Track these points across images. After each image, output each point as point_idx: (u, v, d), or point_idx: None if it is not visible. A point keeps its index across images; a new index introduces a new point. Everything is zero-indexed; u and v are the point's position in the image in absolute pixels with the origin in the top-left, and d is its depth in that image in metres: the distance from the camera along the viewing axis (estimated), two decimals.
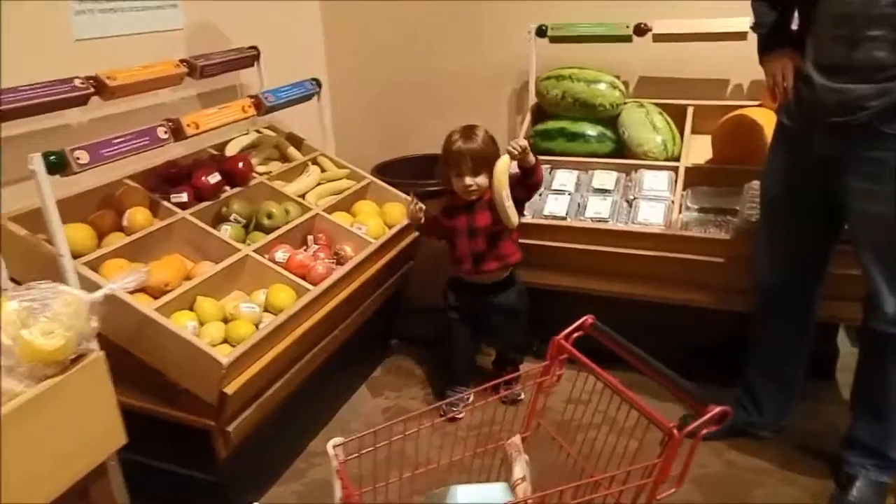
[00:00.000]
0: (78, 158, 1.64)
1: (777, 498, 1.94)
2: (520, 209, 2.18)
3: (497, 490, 1.27)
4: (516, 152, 2.05)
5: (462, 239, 2.25)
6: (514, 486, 1.40)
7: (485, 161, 2.15)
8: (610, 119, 2.65)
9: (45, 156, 1.59)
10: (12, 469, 1.15)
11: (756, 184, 2.08)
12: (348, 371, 2.46)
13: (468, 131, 2.19)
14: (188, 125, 1.95)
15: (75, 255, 1.75)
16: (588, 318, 1.47)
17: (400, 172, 2.83)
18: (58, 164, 1.61)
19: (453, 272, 2.35)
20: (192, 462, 1.86)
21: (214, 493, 1.88)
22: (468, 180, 2.16)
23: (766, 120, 2.21)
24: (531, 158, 2.10)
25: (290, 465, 2.17)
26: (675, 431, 1.16)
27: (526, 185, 2.17)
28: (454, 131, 2.21)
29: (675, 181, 2.43)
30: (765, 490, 1.97)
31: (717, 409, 1.16)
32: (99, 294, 1.37)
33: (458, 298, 2.35)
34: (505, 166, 2.06)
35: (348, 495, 1.23)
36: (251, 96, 2.26)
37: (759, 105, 2.47)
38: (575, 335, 1.47)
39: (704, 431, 1.17)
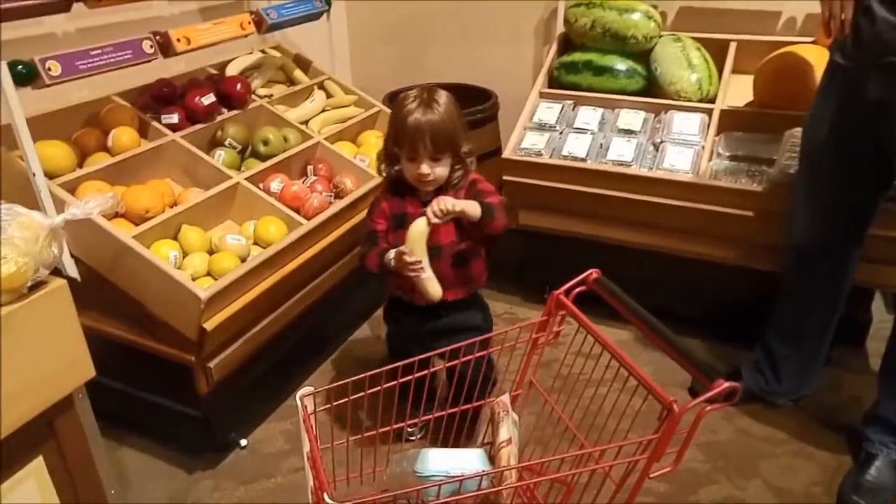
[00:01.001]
0: (49, 69, 1.53)
1: (788, 472, 1.83)
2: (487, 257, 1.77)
3: (473, 456, 1.17)
4: (437, 218, 1.54)
5: None
6: (499, 448, 1.30)
7: (448, 141, 1.62)
8: (643, 53, 2.44)
9: (12, 65, 1.47)
10: None
11: (798, 131, 1.88)
12: (348, 309, 2.36)
13: (428, 98, 1.62)
14: (178, 40, 1.82)
15: (52, 176, 1.66)
16: (593, 273, 1.34)
17: None
18: (26, 75, 1.50)
19: (395, 293, 1.77)
20: (176, 395, 1.81)
21: (198, 427, 1.83)
22: (425, 168, 1.61)
23: (819, 59, 2.00)
24: (472, 212, 1.57)
25: (282, 402, 2.11)
26: (675, 406, 1.04)
27: (484, 237, 1.69)
28: (406, 95, 1.65)
29: (708, 125, 2.24)
30: (775, 462, 1.86)
31: (725, 385, 1.03)
32: (59, 219, 1.26)
33: (402, 330, 1.82)
34: (421, 231, 1.56)
35: (313, 451, 1.14)
36: (252, 12, 2.11)
37: (813, 42, 2.24)
38: (577, 290, 1.34)
39: (709, 408, 1.04)
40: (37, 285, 1.22)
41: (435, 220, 1.53)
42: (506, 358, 1.49)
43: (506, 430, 1.31)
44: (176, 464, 1.90)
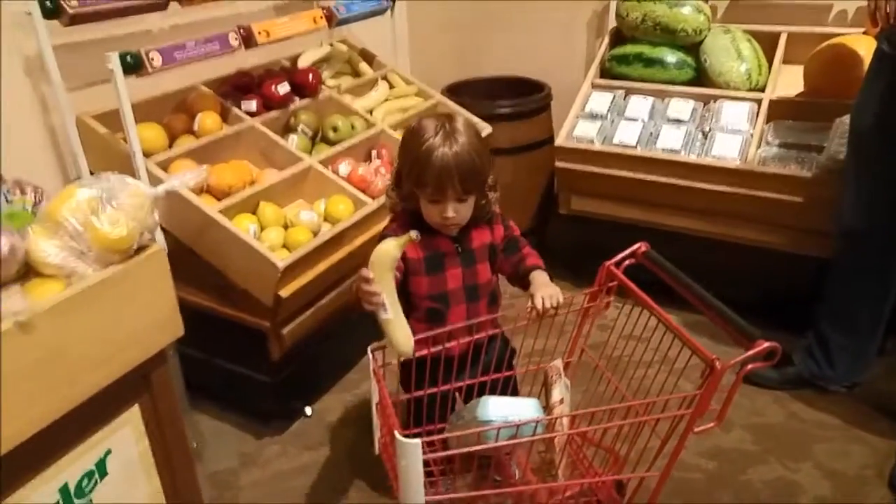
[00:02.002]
0: (152, 60, 1.70)
1: (840, 456, 1.84)
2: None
3: (529, 405, 1.27)
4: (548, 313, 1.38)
5: (458, 304, 1.48)
6: (552, 407, 1.40)
7: (475, 177, 1.38)
8: (692, 46, 2.51)
9: (122, 56, 1.65)
10: (76, 347, 1.22)
11: (848, 118, 1.92)
12: None
13: (450, 129, 1.37)
14: (259, 33, 1.98)
15: (148, 154, 1.82)
16: (642, 246, 1.43)
17: (470, 92, 2.79)
18: (134, 65, 1.68)
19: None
20: (248, 361, 1.95)
21: (267, 393, 1.97)
22: (451, 211, 1.39)
23: (868, 50, 2.01)
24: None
25: (343, 375, 2.24)
26: (717, 363, 1.13)
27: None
28: (422, 126, 1.39)
29: (757, 114, 2.30)
30: (828, 446, 1.87)
31: (766, 345, 1.11)
32: (161, 189, 1.40)
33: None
34: (389, 255, 1.26)
35: (384, 398, 1.26)
36: (323, 7, 2.25)
37: (864, 33, 2.28)
38: (626, 262, 1.43)
39: (749, 367, 1.13)
40: (140, 249, 1.34)
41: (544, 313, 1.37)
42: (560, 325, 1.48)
43: (558, 392, 1.41)
44: (245, 429, 2.03)
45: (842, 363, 2.00)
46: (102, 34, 1.90)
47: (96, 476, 1.29)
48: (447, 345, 1.38)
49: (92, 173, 1.82)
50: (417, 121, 1.42)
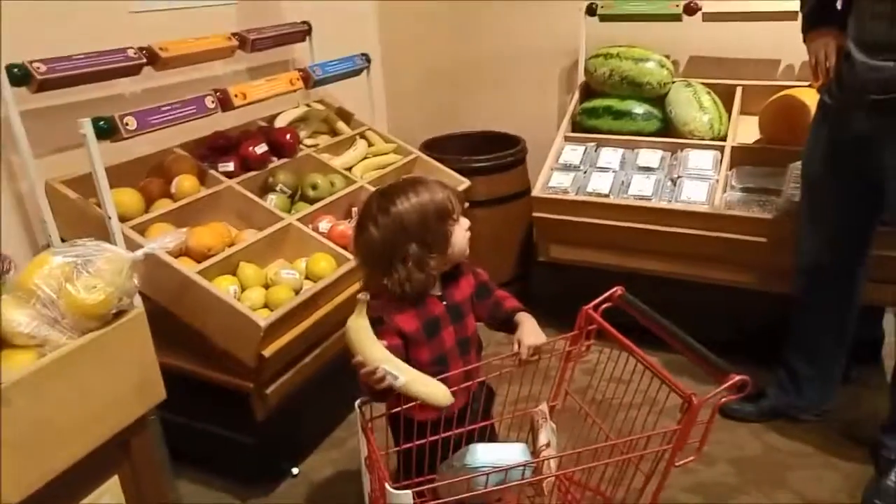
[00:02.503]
0: (127, 124, 1.72)
1: (815, 482, 1.91)
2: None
3: (517, 449, 1.28)
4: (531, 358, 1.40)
5: (455, 362, 1.45)
6: (539, 451, 1.41)
7: None
8: (658, 98, 2.61)
9: (95, 121, 1.66)
10: (55, 416, 1.20)
11: (800, 164, 2.02)
12: None
13: (413, 179, 1.45)
14: (236, 95, 2.02)
15: (124, 219, 1.83)
16: (618, 289, 1.46)
17: (448, 149, 2.85)
18: (107, 130, 1.68)
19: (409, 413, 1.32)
20: (232, 423, 1.92)
21: (253, 455, 1.94)
22: (465, 221, 1.45)
23: (814, 101, 2.12)
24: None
25: (330, 433, 2.22)
26: (694, 398, 1.16)
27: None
28: (387, 191, 1.43)
29: (721, 160, 2.39)
30: (803, 473, 1.95)
31: (737, 378, 1.14)
32: (139, 253, 1.40)
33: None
34: (360, 327, 1.26)
35: (373, 452, 1.26)
36: (299, 69, 2.32)
37: (809, 85, 2.39)
38: (604, 306, 1.46)
39: (724, 399, 1.16)
40: (118, 313, 1.35)
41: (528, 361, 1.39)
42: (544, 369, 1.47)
43: (545, 436, 1.42)
44: (229, 492, 1.99)
45: (809, 392, 2.08)
46: (72, 99, 1.91)
47: None
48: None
49: (63, 240, 1.82)
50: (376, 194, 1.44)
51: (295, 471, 2.05)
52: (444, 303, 1.45)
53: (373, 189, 2.34)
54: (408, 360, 1.36)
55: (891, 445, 1.84)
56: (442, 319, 1.43)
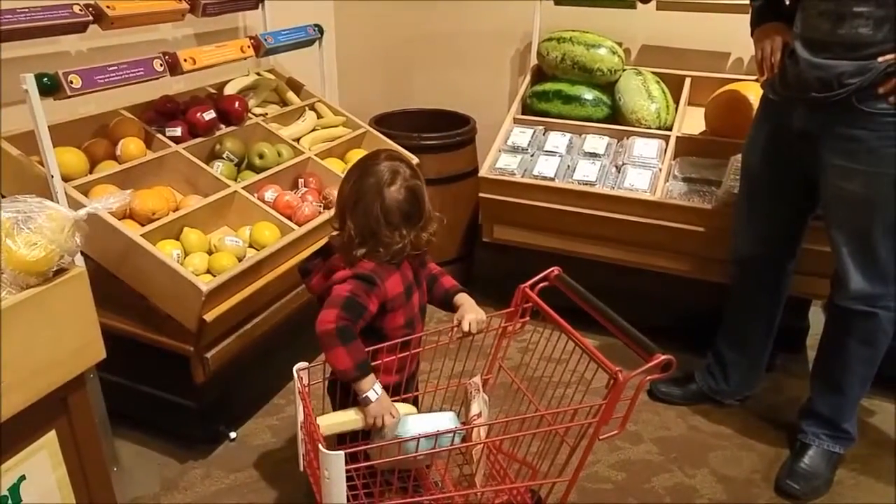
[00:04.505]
0: (71, 82, 1.68)
1: (733, 462, 2.01)
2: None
3: (446, 418, 1.33)
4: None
5: (419, 325, 1.56)
6: (470, 421, 1.46)
7: None
8: (608, 85, 2.66)
9: (38, 77, 1.62)
10: None
11: (740, 157, 2.09)
12: None
13: (396, 166, 1.50)
14: (185, 60, 1.99)
15: (67, 179, 1.80)
16: (554, 270, 1.52)
17: (398, 124, 2.86)
18: (51, 87, 1.64)
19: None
20: (172, 386, 1.93)
21: (191, 418, 1.95)
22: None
23: (758, 95, 2.16)
24: None
25: (269, 400, 2.25)
26: (620, 375, 1.21)
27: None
28: (376, 170, 1.47)
29: (665, 150, 2.45)
30: (722, 454, 2.04)
31: (662, 357, 1.20)
32: (82, 212, 1.39)
33: None
34: (339, 427, 1.40)
35: (308, 415, 1.29)
36: (251, 37, 2.29)
37: (756, 80, 2.45)
38: (540, 285, 1.51)
39: (649, 378, 1.22)
40: (59, 271, 1.33)
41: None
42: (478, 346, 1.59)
43: (476, 406, 1.47)
44: (168, 454, 2.01)
45: (735, 378, 2.17)
46: (15, 54, 1.87)
47: (10, 503, 1.27)
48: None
49: (3, 196, 1.79)
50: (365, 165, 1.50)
51: (233, 435, 2.08)
52: (413, 269, 1.52)
53: (321, 161, 2.35)
54: (381, 327, 1.46)
55: (807, 430, 1.94)
56: (413, 284, 1.52)
